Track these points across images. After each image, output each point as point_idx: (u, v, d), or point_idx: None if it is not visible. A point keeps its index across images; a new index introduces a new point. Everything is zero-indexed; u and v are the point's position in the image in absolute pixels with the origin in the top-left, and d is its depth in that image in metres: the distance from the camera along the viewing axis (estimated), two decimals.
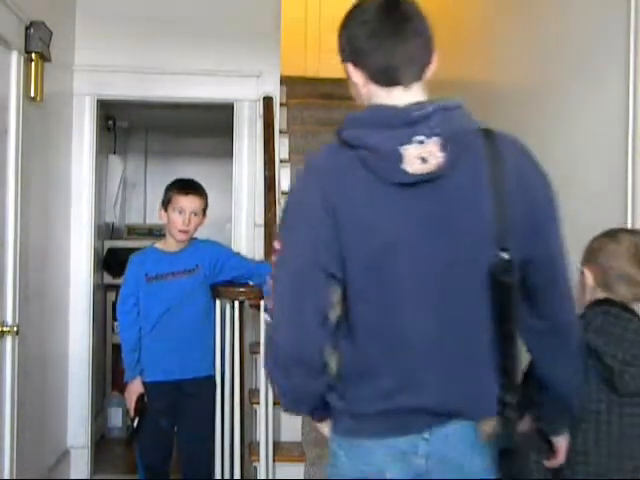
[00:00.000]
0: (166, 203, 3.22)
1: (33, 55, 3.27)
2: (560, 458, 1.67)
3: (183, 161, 6.23)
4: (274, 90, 4.39)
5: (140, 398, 3.16)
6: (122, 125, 5.65)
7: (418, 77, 1.48)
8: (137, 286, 3.20)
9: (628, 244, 1.86)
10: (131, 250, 5.33)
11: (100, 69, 4.19)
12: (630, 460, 1.71)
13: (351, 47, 1.50)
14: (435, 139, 1.36)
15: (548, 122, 2.91)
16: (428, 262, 1.39)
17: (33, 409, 3.45)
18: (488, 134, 1.48)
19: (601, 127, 2.47)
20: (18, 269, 3.18)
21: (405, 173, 1.36)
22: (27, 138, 3.27)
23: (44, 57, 3.37)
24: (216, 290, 3.32)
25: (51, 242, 3.85)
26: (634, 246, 1.86)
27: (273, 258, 1.44)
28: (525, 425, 1.58)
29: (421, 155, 1.35)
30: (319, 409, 1.51)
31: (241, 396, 3.32)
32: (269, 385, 3.29)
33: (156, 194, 6.19)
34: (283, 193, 4.63)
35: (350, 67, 1.50)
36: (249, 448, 3.53)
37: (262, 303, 1.60)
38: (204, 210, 3.22)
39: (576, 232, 2.61)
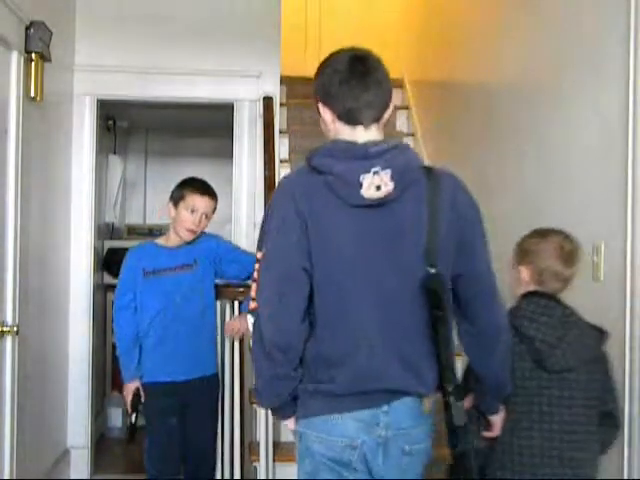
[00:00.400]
0: (177, 200, 3.13)
1: (33, 55, 3.27)
2: (496, 431, 2.02)
3: (183, 161, 6.23)
4: (274, 90, 4.39)
5: (136, 393, 3.14)
6: (122, 125, 5.66)
7: (376, 119, 1.81)
8: (134, 281, 3.16)
9: (556, 245, 2.17)
10: None
11: (100, 69, 4.19)
12: (559, 425, 2.05)
13: (324, 90, 1.81)
14: (388, 171, 1.69)
15: (548, 122, 2.91)
16: (376, 269, 1.73)
17: (33, 409, 3.45)
18: (429, 171, 1.80)
19: (601, 127, 2.48)
20: (18, 269, 3.18)
21: (362, 197, 1.69)
22: (27, 138, 3.27)
23: (44, 57, 3.37)
24: (216, 290, 3.32)
25: (51, 242, 3.85)
26: (560, 246, 2.17)
27: (256, 266, 1.75)
28: (468, 403, 1.94)
29: (376, 184, 1.69)
30: (289, 404, 1.81)
31: (241, 396, 3.33)
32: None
33: (156, 194, 6.22)
34: None
35: (321, 106, 1.82)
36: (249, 448, 3.53)
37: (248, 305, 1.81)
38: (212, 213, 3.20)
39: (576, 232, 2.62)
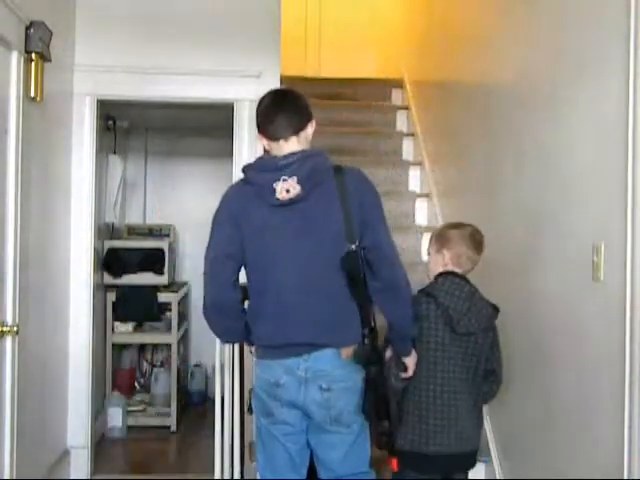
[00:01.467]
0: None
1: (33, 55, 3.27)
2: (410, 372, 2.63)
3: (183, 161, 6.24)
4: None
5: None
6: (122, 125, 5.65)
7: (294, 134, 2.41)
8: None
9: (470, 235, 2.81)
10: (131, 250, 5.39)
11: (100, 69, 4.19)
12: (453, 373, 2.71)
13: (257, 122, 2.46)
14: (294, 177, 2.30)
15: (548, 122, 2.91)
16: (293, 251, 2.35)
17: (33, 409, 3.45)
18: (338, 169, 2.40)
19: (601, 127, 2.48)
20: (18, 269, 3.18)
21: (277, 199, 2.31)
22: (27, 138, 3.27)
23: (44, 57, 3.37)
24: None
25: (51, 242, 3.85)
26: (473, 236, 2.81)
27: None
28: (389, 352, 2.61)
29: (286, 188, 2.29)
30: (247, 340, 2.53)
31: (241, 396, 3.32)
32: None
33: (156, 194, 6.23)
34: None
35: (258, 135, 2.48)
36: (249, 448, 3.53)
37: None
38: None
39: (576, 232, 2.62)
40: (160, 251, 5.45)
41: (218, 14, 4.32)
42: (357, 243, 2.34)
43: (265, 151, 2.53)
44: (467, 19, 4.17)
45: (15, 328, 3.05)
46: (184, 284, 5.96)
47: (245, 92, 4.33)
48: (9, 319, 3.11)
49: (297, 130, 2.40)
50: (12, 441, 3.12)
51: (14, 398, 3.14)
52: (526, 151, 3.13)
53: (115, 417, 5.08)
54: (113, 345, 5.33)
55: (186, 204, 6.20)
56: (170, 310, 5.43)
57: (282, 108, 2.42)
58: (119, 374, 5.57)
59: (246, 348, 3.47)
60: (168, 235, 5.85)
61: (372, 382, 2.42)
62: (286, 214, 2.33)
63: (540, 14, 3.03)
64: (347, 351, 2.37)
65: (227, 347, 3.33)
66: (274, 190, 2.29)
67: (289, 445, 2.42)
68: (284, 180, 2.29)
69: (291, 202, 2.31)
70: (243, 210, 2.37)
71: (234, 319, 2.44)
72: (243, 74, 4.31)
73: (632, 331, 2.25)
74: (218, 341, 3.32)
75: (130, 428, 5.16)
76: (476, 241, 2.82)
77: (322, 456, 2.44)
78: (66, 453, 4.14)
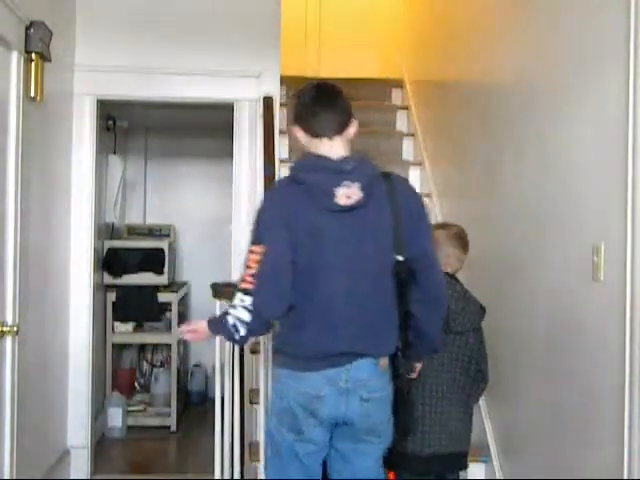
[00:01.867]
0: None
1: (33, 55, 3.28)
2: (415, 374, 2.59)
3: (183, 161, 6.24)
4: (274, 90, 4.39)
5: None
6: (122, 125, 5.66)
7: (338, 133, 2.30)
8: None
9: (457, 235, 2.87)
10: (131, 250, 5.39)
11: (100, 69, 4.19)
12: (447, 373, 2.76)
13: (295, 115, 2.36)
14: (357, 184, 2.20)
15: (547, 122, 2.91)
16: (345, 258, 2.23)
17: (33, 409, 3.45)
18: (387, 177, 2.31)
19: (601, 127, 2.48)
20: (18, 269, 3.18)
21: (336, 204, 2.19)
22: (27, 138, 3.27)
23: (44, 57, 3.37)
24: (216, 290, 3.32)
25: (51, 242, 3.85)
26: (460, 236, 2.87)
27: (251, 256, 2.22)
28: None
29: (347, 194, 2.19)
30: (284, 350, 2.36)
31: (241, 396, 3.32)
32: (268, 383, 3.30)
33: (156, 193, 6.23)
34: None
35: (294, 128, 2.36)
36: (249, 448, 3.53)
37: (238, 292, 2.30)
38: None
39: (576, 232, 2.62)
40: (160, 251, 5.45)
41: (218, 14, 4.32)
42: (405, 253, 2.28)
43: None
44: (467, 19, 4.17)
45: (15, 328, 3.05)
46: (184, 284, 5.96)
47: (245, 92, 4.34)
48: (9, 319, 3.11)
49: (342, 129, 2.31)
50: (12, 441, 3.12)
51: (14, 398, 3.14)
52: (526, 151, 3.13)
53: (115, 417, 5.08)
54: (113, 345, 5.34)
55: (186, 204, 6.21)
56: (170, 310, 5.43)
57: (328, 104, 2.33)
58: (119, 374, 5.57)
59: (246, 348, 3.48)
60: (168, 235, 5.86)
61: (401, 394, 2.39)
62: (342, 219, 2.22)
63: (540, 14, 3.03)
64: (384, 361, 2.32)
65: (227, 347, 3.32)
66: (333, 194, 2.19)
67: (310, 463, 2.33)
68: (347, 186, 2.19)
69: (349, 209, 2.21)
70: (293, 211, 2.23)
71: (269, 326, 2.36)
72: (243, 74, 4.31)
73: (632, 331, 2.25)
74: (218, 341, 3.32)
75: (130, 428, 5.16)
76: (463, 240, 2.87)
77: (355, 464, 2.36)
78: (66, 453, 4.14)
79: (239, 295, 2.24)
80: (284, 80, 4.68)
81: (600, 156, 2.47)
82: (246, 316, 2.22)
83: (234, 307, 2.25)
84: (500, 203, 3.46)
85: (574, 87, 2.69)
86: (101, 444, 4.87)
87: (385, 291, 2.28)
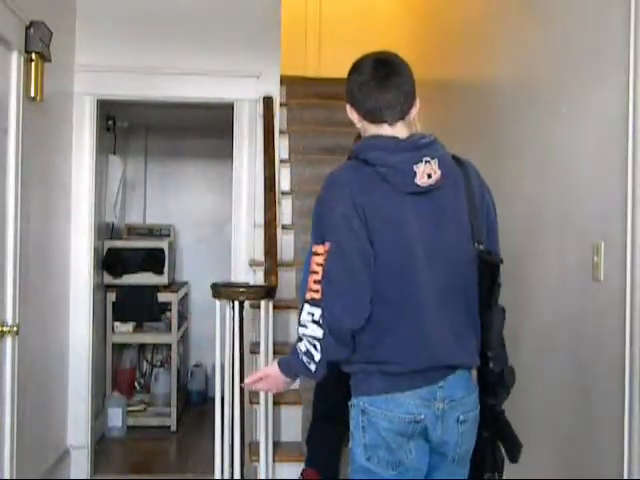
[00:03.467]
0: None
1: (33, 55, 3.27)
2: None
3: (183, 161, 6.25)
4: (274, 90, 4.40)
5: None
6: (122, 125, 5.66)
7: (400, 118, 1.97)
8: None
9: None
10: (131, 250, 5.39)
11: (100, 69, 4.19)
12: None
13: (349, 93, 2.02)
14: (436, 160, 1.88)
15: (547, 122, 2.91)
16: (430, 250, 1.88)
17: (33, 408, 3.45)
18: (458, 160, 2.00)
19: (601, 127, 2.48)
20: (18, 269, 3.18)
21: (417, 185, 1.86)
22: (27, 138, 3.27)
23: (44, 57, 3.37)
24: (216, 290, 3.32)
25: (51, 242, 3.85)
26: None
27: (317, 258, 1.86)
28: None
29: (427, 172, 1.86)
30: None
31: (241, 396, 3.32)
32: None
33: (156, 194, 6.23)
34: (283, 193, 4.64)
35: (348, 107, 2.04)
36: (249, 448, 3.53)
37: (305, 304, 1.88)
38: None
39: (576, 232, 2.62)
40: (160, 251, 5.45)
41: (218, 14, 4.32)
42: (484, 244, 1.97)
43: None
44: (467, 18, 4.17)
45: (15, 328, 3.05)
46: (184, 284, 5.96)
47: (245, 92, 4.34)
48: (9, 319, 3.10)
49: (404, 113, 1.97)
50: (12, 441, 3.12)
51: (14, 398, 3.14)
52: (526, 151, 3.13)
53: (115, 417, 5.08)
54: (113, 345, 5.34)
55: (186, 204, 6.21)
56: (170, 310, 5.44)
57: (387, 86, 1.96)
58: (119, 374, 5.57)
59: (247, 348, 3.48)
60: (168, 235, 5.86)
61: (495, 412, 2.02)
62: (420, 203, 1.89)
63: (540, 13, 3.03)
64: (474, 373, 1.99)
65: (227, 347, 3.33)
66: (414, 174, 1.85)
67: None
68: (426, 162, 1.87)
69: (427, 190, 1.88)
70: (367, 197, 1.86)
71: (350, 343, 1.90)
72: (243, 74, 4.32)
73: (632, 331, 2.25)
74: (218, 341, 3.32)
75: (130, 428, 5.16)
76: None
77: None
78: (66, 453, 4.14)
79: (306, 308, 1.86)
80: (284, 80, 4.68)
81: (600, 156, 2.47)
82: (319, 332, 1.84)
83: (303, 326, 1.86)
84: (500, 203, 3.44)
85: (574, 87, 2.69)
86: (101, 444, 4.87)
87: (471, 287, 1.96)
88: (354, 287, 1.83)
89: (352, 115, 2.03)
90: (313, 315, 1.85)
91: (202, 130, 5.86)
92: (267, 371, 2.06)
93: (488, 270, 1.96)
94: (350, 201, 1.85)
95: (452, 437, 1.92)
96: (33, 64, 3.29)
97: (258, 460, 3.34)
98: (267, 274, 3.65)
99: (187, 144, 6.17)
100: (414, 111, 2.00)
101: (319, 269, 1.85)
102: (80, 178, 4.23)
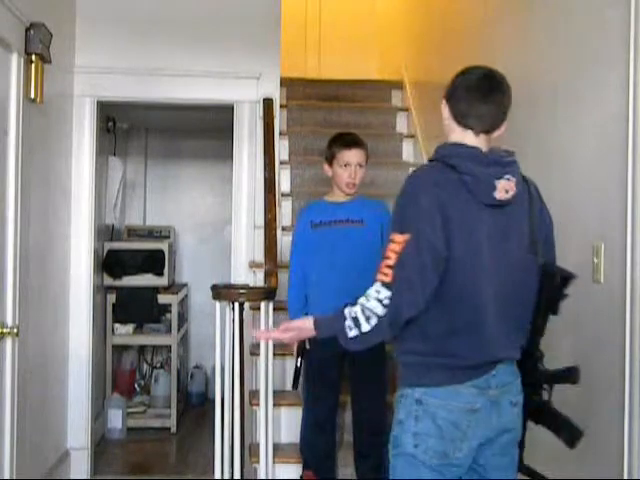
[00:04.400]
0: (330, 158, 3.32)
1: (33, 57, 3.28)
2: None
3: (183, 162, 6.25)
4: (274, 92, 4.40)
5: (302, 340, 3.21)
6: (122, 126, 5.66)
7: (485, 132, 2.08)
8: (305, 233, 3.35)
9: None
10: (131, 252, 5.39)
11: (100, 70, 4.20)
12: None
13: (452, 91, 2.14)
14: (514, 179, 2.03)
15: (547, 122, 2.91)
16: (496, 258, 2.02)
17: (33, 410, 3.45)
18: (523, 177, 2.13)
19: (601, 127, 2.48)
20: (18, 270, 3.18)
21: (494, 198, 2.00)
22: (27, 140, 3.27)
23: (44, 59, 3.37)
24: (216, 292, 3.32)
25: (51, 243, 3.85)
26: None
27: (394, 246, 1.95)
28: None
29: (506, 188, 2.00)
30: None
31: (241, 397, 3.32)
32: (268, 385, 3.30)
33: (156, 195, 6.23)
34: (283, 195, 4.64)
35: (444, 102, 2.15)
36: (249, 449, 3.53)
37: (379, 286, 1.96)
38: (366, 160, 3.34)
39: (576, 232, 2.62)
40: (160, 252, 5.45)
41: (218, 15, 4.33)
42: (543, 256, 2.12)
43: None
44: (467, 19, 4.17)
45: (15, 329, 3.05)
46: (184, 285, 5.96)
47: (245, 93, 4.35)
48: (9, 320, 3.10)
49: (493, 129, 2.11)
50: (12, 442, 3.12)
51: (14, 399, 3.14)
52: (526, 152, 3.13)
53: (115, 418, 5.08)
54: (113, 347, 5.33)
55: (186, 205, 6.21)
56: (170, 312, 5.43)
57: (487, 99, 2.09)
58: (119, 375, 5.57)
59: (247, 348, 3.48)
60: (168, 236, 5.86)
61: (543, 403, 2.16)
62: (492, 215, 2.03)
63: (540, 14, 3.03)
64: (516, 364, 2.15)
65: (227, 348, 3.33)
66: (494, 187, 2.00)
67: None
68: (508, 179, 2.02)
69: (503, 204, 2.03)
70: (448, 200, 1.97)
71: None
72: (243, 75, 4.32)
73: (632, 332, 2.25)
74: (218, 343, 3.32)
75: (130, 430, 5.16)
76: None
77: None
78: (66, 454, 4.13)
79: (376, 286, 1.96)
80: (284, 82, 4.68)
81: (600, 156, 2.48)
82: (379, 309, 1.94)
83: (366, 298, 1.96)
84: None
85: (574, 87, 2.69)
86: (101, 445, 4.86)
87: (527, 294, 2.10)
88: (421, 280, 1.93)
89: (444, 110, 2.14)
90: (379, 293, 1.94)
91: (202, 132, 5.86)
92: (300, 324, 2.17)
93: (548, 281, 2.11)
94: (435, 199, 1.96)
95: (509, 420, 2.06)
96: (33, 66, 3.29)
97: (258, 461, 3.34)
98: (267, 276, 3.65)
99: (187, 145, 6.17)
100: (497, 132, 2.12)
101: (393, 256, 1.94)
102: (80, 179, 4.23)
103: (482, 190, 2.00)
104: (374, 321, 1.94)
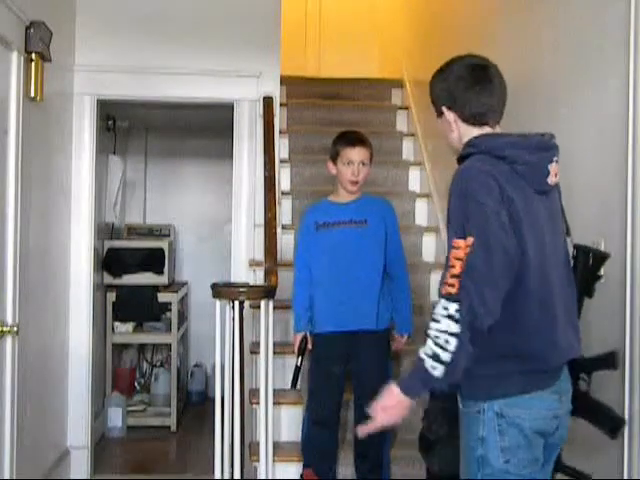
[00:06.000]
0: (334, 156, 3.33)
1: (33, 55, 3.27)
2: None
3: (183, 161, 6.24)
4: (274, 90, 4.40)
5: (303, 339, 3.31)
6: (122, 125, 5.65)
7: (498, 122, 2.04)
8: (309, 234, 3.36)
9: None
10: (131, 250, 5.39)
11: (100, 69, 4.19)
12: None
13: (449, 96, 2.02)
14: (557, 160, 1.94)
15: (547, 123, 2.91)
16: (553, 248, 1.92)
17: (33, 409, 3.45)
18: None
19: (601, 127, 2.48)
20: (18, 269, 3.18)
21: (547, 184, 1.91)
22: (27, 138, 3.27)
23: (44, 57, 3.37)
24: (216, 290, 3.32)
25: (51, 242, 3.85)
26: None
27: (458, 252, 1.78)
28: None
29: (555, 171, 1.92)
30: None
31: (241, 396, 3.32)
32: (268, 383, 3.31)
33: (156, 194, 6.23)
34: (283, 193, 4.64)
35: (445, 109, 2.03)
36: (249, 448, 3.53)
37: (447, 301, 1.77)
38: (370, 159, 3.34)
39: (576, 232, 2.62)
40: (160, 251, 5.45)
41: (218, 14, 4.32)
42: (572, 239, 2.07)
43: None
44: (467, 19, 4.17)
45: (15, 328, 3.05)
46: (184, 284, 5.96)
47: (245, 92, 4.34)
48: (9, 319, 3.10)
49: (501, 117, 2.07)
50: (12, 440, 3.12)
51: (14, 398, 3.14)
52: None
53: (115, 417, 5.08)
54: (113, 345, 5.33)
55: (186, 204, 6.21)
56: (170, 310, 5.43)
57: (490, 90, 2.03)
58: (119, 374, 5.57)
59: (247, 348, 3.47)
60: (168, 235, 5.86)
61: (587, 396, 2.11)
62: (544, 202, 1.93)
63: (540, 14, 3.03)
64: None
65: (227, 347, 3.33)
66: (548, 172, 1.90)
67: None
68: (556, 162, 1.93)
69: (550, 189, 1.95)
70: (509, 193, 1.83)
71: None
72: (243, 74, 4.32)
73: (632, 331, 2.25)
74: (218, 341, 3.32)
75: (130, 428, 5.16)
76: None
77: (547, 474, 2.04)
78: (66, 453, 4.14)
79: (442, 302, 1.77)
80: (284, 80, 4.68)
81: (600, 154, 2.48)
82: (454, 327, 1.73)
83: (436, 321, 1.76)
84: None
85: (574, 87, 2.69)
86: (101, 444, 4.87)
87: (573, 282, 2.02)
88: (496, 285, 1.78)
89: (449, 116, 2.02)
90: (447, 310, 1.75)
91: (202, 130, 5.85)
92: (384, 402, 1.91)
93: (582, 262, 2.10)
94: (499, 195, 1.82)
95: (567, 420, 1.98)
96: (33, 64, 3.29)
97: (258, 460, 3.34)
98: (267, 274, 3.64)
99: (187, 144, 6.17)
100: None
101: (457, 263, 1.77)
102: (80, 178, 4.23)
103: (538, 177, 1.90)
104: (454, 344, 1.74)
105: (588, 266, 2.11)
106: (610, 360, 2.10)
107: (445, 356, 1.74)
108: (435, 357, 1.75)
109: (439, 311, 1.76)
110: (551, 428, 1.90)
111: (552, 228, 1.94)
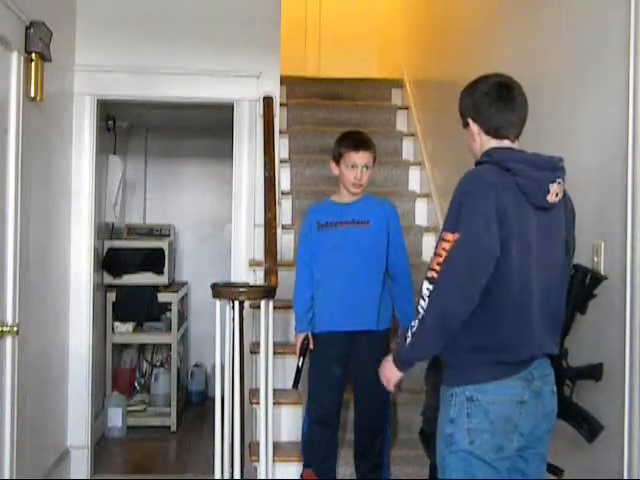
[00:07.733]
0: (337, 158, 3.31)
1: (33, 55, 3.27)
2: None
3: (183, 161, 6.25)
4: (274, 90, 4.40)
5: (305, 339, 3.31)
6: (122, 125, 5.66)
7: (517, 137, 2.19)
8: (311, 234, 3.35)
9: None
10: (131, 250, 5.40)
11: (100, 69, 4.20)
12: None
13: (475, 109, 2.18)
14: (562, 183, 2.10)
15: (547, 123, 2.91)
16: (541, 259, 2.08)
17: (33, 409, 3.45)
18: None
19: (601, 127, 2.48)
20: (18, 269, 3.18)
21: (546, 201, 2.07)
22: (27, 138, 3.27)
23: (44, 57, 3.37)
24: (216, 290, 3.32)
25: (51, 242, 3.85)
26: None
27: (445, 245, 1.98)
28: None
29: (556, 192, 2.08)
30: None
31: (241, 396, 3.32)
32: (268, 383, 3.31)
33: (156, 193, 6.23)
34: (283, 193, 4.64)
35: (470, 121, 2.20)
36: (249, 448, 3.53)
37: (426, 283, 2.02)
38: (374, 161, 3.34)
39: (576, 229, 2.62)
40: (160, 251, 5.45)
41: (218, 14, 4.32)
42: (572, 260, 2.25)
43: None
44: (467, 19, 4.17)
45: (15, 328, 3.05)
46: (184, 284, 5.96)
47: (245, 92, 4.35)
48: (9, 319, 3.11)
49: (520, 134, 2.20)
50: (12, 440, 3.12)
51: (14, 398, 3.14)
52: (526, 151, 3.13)
53: (115, 417, 5.08)
54: (113, 345, 5.34)
55: (186, 204, 6.21)
56: (170, 310, 5.44)
57: (513, 107, 2.17)
58: (119, 374, 5.57)
59: (247, 348, 3.48)
60: (168, 235, 5.86)
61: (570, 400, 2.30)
62: (541, 218, 2.09)
63: (540, 14, 3.03)
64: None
65: (227, 347, 3.33)
66: (547, 191, 2.07)
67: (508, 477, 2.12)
68: (559, 183, 2.09)
69: (550, 207, 2.10)
70: (504, 202, 2.01)
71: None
72: (243, 74, 4.32)
73: (632, 330, 2.25)
74: (218, 341, 3.32)
75: (130, 428, 5.16)
76: None
77: (532, 473, 2.17)
78: (66, 453, 4.14)
79: (425, 284, 2.02)
80: (284, 80, 4.68)
81: (600, 155, 2.48)
82: (423, 303, 2.02)
83: (422, 297, 2.02)
84: None
85: (574, 87, 2.69)
86: (101, 444, 4.87)
87: (563, 293, 2.21)
88: (473, 281, 1.97)
89: (473, 127, 2.19)
90: (429, 290, 2.00)
91: (202, 130, 5.86)
92: (388, 372, 2.23)
93: (579, 281, 2.27)
94: (494, 201, 2.00)
95: (549, 408, 2.13)
96: (33, 64, 3.29)
97: (258, 460, 3.34)
98: (267, 274, 3.65)
99: (187, 144, 6.17)
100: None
101: (444, 253, 1.98)
102: (80, 178, 4.23)
103: (537, 193, 2.06)
104: (420, 316, 2.01)
105: (584, 285, 2.29)
106: (596, 372, 2.29)
107: (414, 328, 2.03)
108: (411, 327, 2.04)
109: (424, 292, 2.01)
110: (517, 414, 2.04)
111: (545, 242, 2.10)
